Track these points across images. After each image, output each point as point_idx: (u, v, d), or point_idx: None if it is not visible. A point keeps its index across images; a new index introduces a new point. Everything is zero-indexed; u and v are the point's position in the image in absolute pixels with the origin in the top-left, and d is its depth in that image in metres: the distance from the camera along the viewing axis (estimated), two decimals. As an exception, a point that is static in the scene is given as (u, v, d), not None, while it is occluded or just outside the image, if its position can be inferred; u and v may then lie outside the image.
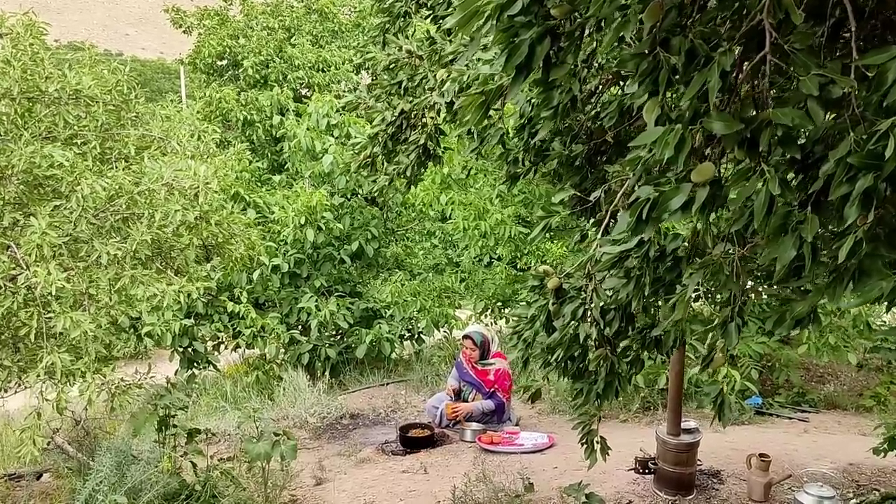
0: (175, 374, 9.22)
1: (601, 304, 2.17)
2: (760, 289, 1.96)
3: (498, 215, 7.49)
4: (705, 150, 1.52)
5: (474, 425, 5.83)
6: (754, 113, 1.44)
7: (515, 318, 2.46)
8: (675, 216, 1.49)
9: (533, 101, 2.47)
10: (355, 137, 3.47)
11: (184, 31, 15.58)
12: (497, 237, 7.68)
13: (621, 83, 2.33)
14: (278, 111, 12.72)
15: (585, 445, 2.64)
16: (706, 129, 1.42)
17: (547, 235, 9.23)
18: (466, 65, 2.55)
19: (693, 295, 1.89)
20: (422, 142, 3.07)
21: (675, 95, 1.55)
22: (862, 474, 4.46)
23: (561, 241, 9.18)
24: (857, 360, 6.12)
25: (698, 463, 4.26)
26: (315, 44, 15.65)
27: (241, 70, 14.20)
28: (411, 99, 3.04)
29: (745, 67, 1.48)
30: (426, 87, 3.01)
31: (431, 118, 2.97)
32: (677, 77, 1.45)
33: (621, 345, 2.39)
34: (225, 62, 15.06)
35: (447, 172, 7.88)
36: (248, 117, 12.66)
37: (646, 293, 2.03)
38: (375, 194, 9.85)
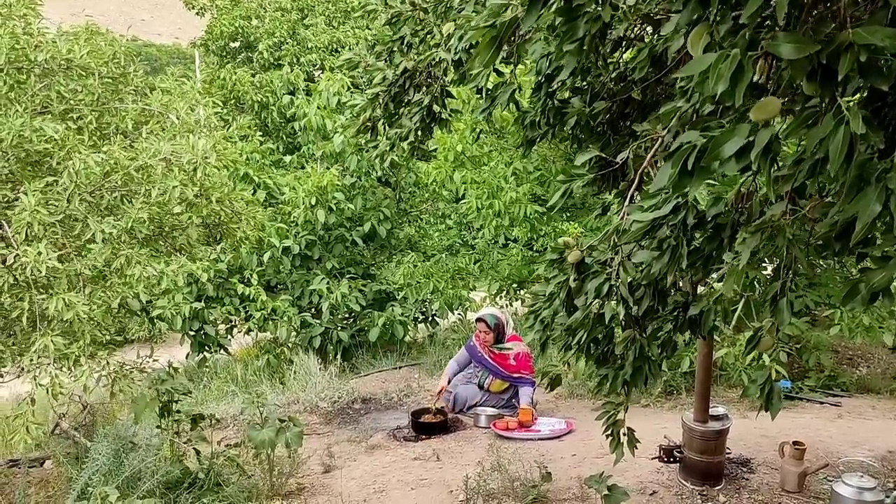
0: (186, 357, 9.11)
1: (629, 279, 1.92)
2: (810, 258, 1.69)
3: (512, 193, 7.22)
4: (767, 84, 1.26)
5: (489, 410, 5.62)
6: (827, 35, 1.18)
7: (532, 296, 2.22)
8: (729, 165, 1.23)
9: (552, 55, 2.22)
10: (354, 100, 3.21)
11: (196, 13, 15.43)
12: (511, 216, 7.41)
13: (649, 29, 2.06)
14: (288, 91, 12.51)
15: (611, 437, 2.41)
16: (771, 52, 1.17)
17: (564, 216, 8.97)
18: (475, 11, 2.30)
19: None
20: (426, 103, 2.81)
21: (720, 29, 1.29)
22: (902, 463, 4.20)
23: (578, 221, 8.91)
24: (893, 342, 5.82)
25: (727, 451, 4.01)
26: (329, 24, 15.42)
27: (255, 52, 14.01)
28: (415, 56, 2.79)
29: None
30: (431, 44, 2.75)
31: (437, 78, 2.71)
32: (733, -10, 1.20)
33: (651, 326, 2.15)
34: (238, 44, 14.87)
35: (460, 150, 7.60)
36: (263, 100, 12.47)
37: (682, 266, 1.78)
38: (388, 176, 9.70)
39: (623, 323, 2.00)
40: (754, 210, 1.71)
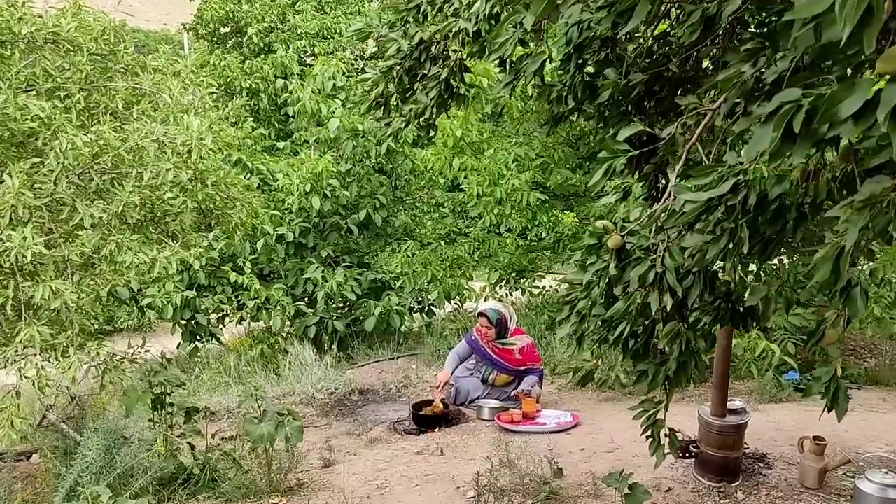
0: (177, 347, 8.90)
1: (674, 266, 1.75)
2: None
3: (514, 181, 7.03)
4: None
5: (493, 403, 5.46)
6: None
7: (567, 286, 2.05)
8: (845, 127, 1.06)
9: (583, 23, 2.04)
10: (365, 73, 2.98)
11: (186, -4, 15.18)
12: (513, 204, 7.23)
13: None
14: (282, 75, 12.29)
15: (651, 438, 2.24)
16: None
17: (561, 205, 8.80)
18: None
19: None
20: (443, 76, 2.61)
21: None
22: (923, 458, 4.08)
23: (576, 210, 8.73)
24: (903, 333, 5.72)
25: (744, 446, 3.87)
26: (319, 10, 15.21)
27: (245, 38, 13.77)
28: (432, 25, 2.59)
29: None
30: (449, 12, 2.55)
31: (454, 51, 2.52)
32: None
33: (691, 317, 1.98)
34: (228, 29, 14.64)
35: (460, 135, 7.41)
36: (253, 86, 12.25)
37: (744, 251, 1.61)
38: (383, 163, 9.48)
39: (664, 314, 1.83)
40: (821, 189, 1.54)
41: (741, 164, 1.54)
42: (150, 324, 12.97)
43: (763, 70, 1.43)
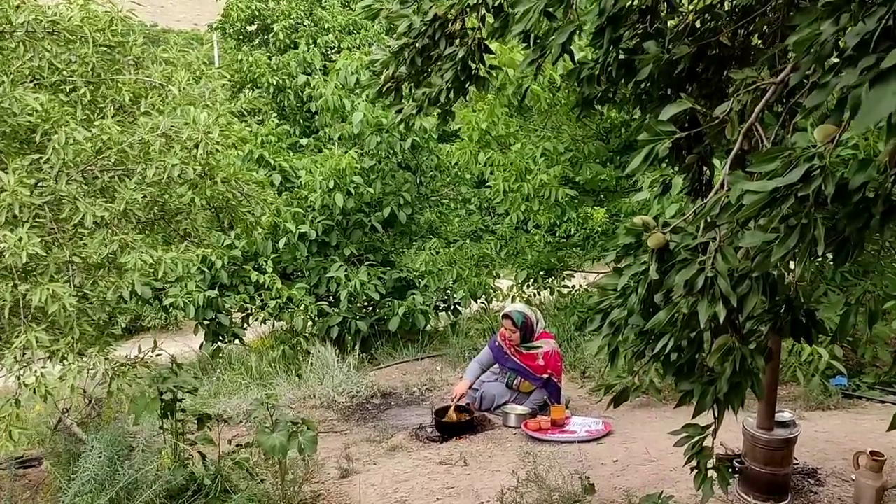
0: (200, 347, 8.79)
1: (727, 269, 1.48)
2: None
3: (543, 176, 6.73)
4: None
5: (519, 409, 5.19)
6: None
7: (599, 291, 1.78)
8: None
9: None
10: (374, 54, 2.71)
11: (214, -5, 15.24)
12: (541, 200, 6.93)
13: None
14: (305, 72, 12.17)
15: (696, 470, 1.96)
16: None
17: (592, 200, 8.47)
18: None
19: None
20: (460, 56, 2.35)
21: None
22: None
23: (607, 206, 8.41)
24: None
25: (793, 461, 3.56)
26: (345, 5, 15.11)
27: (271, 34, 13.70)
28: (447, 0, 2.33)
29: None
30: (467, -15, 2.30)
31: (472, 29, 2.27)
32: None
33: (744, 327, 1.70)
34: (255, 27, 14.61)
35: (485, 129, 7.14)
36: (280, 83, 12.15)
37: (818, 251, 1.33)
38: (408, 159, 9.27)
39: (713, 326, 1.56)
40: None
41: (814, 146, 1.27)
42: (176, 322, 12.95)
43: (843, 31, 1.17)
